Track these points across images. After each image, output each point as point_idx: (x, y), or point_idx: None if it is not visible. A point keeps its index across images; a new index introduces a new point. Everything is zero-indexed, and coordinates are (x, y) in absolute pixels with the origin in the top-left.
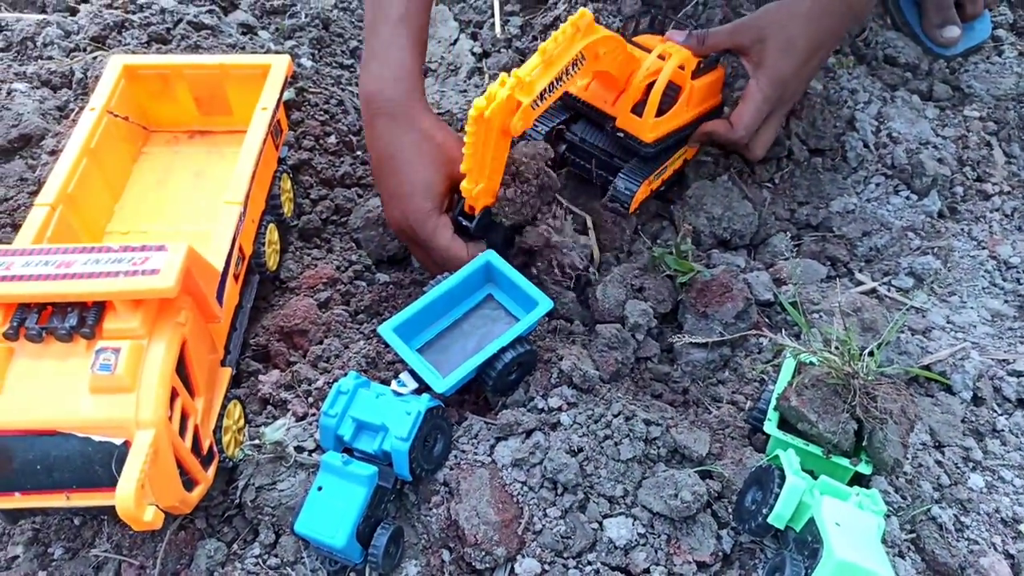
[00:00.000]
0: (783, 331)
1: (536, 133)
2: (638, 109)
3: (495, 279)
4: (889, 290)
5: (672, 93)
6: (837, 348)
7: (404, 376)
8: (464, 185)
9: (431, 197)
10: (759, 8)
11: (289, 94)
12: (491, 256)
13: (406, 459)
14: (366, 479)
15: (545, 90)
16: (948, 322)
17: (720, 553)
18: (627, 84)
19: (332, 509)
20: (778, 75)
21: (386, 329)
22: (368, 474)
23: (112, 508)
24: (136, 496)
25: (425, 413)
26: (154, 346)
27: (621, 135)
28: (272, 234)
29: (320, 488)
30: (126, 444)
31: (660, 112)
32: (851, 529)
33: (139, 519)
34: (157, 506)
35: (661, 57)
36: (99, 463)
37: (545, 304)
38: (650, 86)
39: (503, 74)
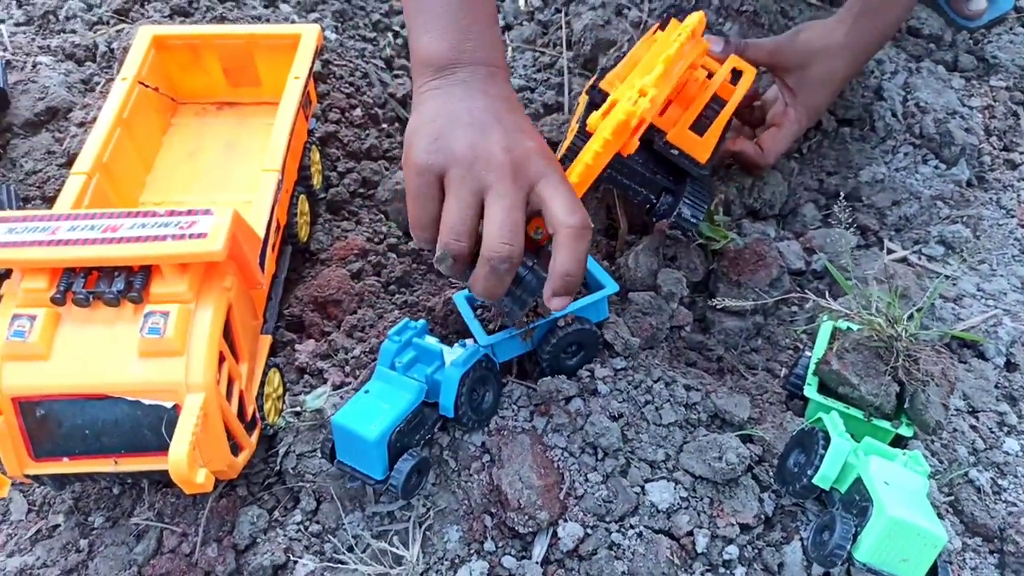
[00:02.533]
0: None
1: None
2: (697, 126)
3: None
4: (920, 258)
5: (717, 106)
6: (879, 312)
7: (468, 342)
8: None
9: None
10: (794, 28)
11: (317, 66)
12: None
13: (455, 388)
14: (415, 387)
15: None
16: (979, 289)
17: (762, 515)
18: (682, 95)
19: (374, 409)
20: (815, 105)
21: (459, 297)
22: (417, 385)
23: (159, 473)
24: (189, 459)
25: (481, 356)
26: (201, 310)
27: (675, 152)
28: (303, 205)
29: (367, 391)
30: (176, 408)
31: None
32: (900, 488)
33: (192, 481)
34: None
35: (735, 71)
36: (148, 427)
37: (611, 286)
38: (711, 102)
39: (641, 84)
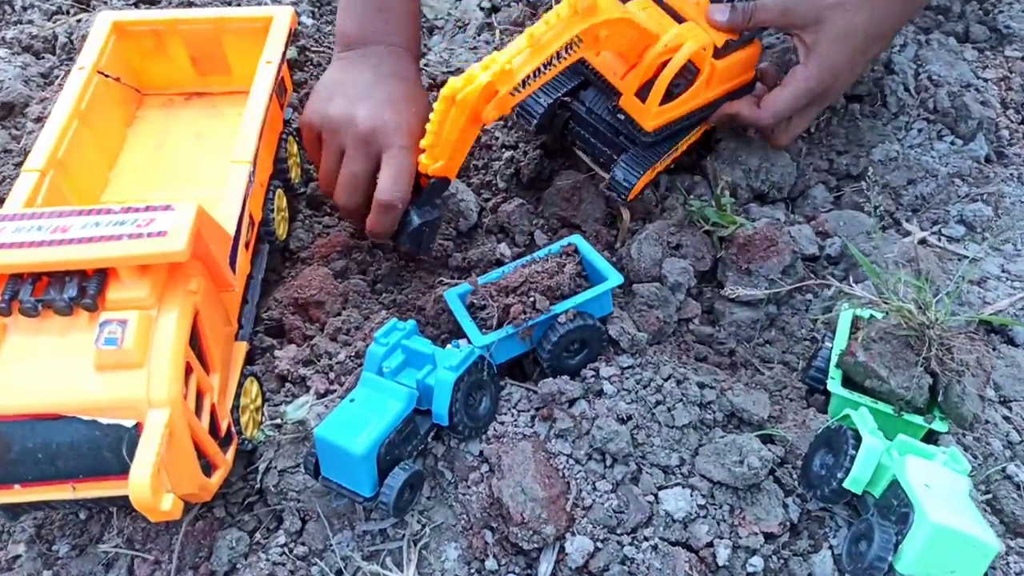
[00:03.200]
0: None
1: (536, 103)
2: (646, 90)
3: (583, 262)
4: (940, 239)
5: (690, 76)
6: (908, 298)
7: (461, 342)
8: (422, 160)
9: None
10: None
11: (291, 53)
12: (577, 239)
13: (449, 393)
14: (405, 394)
15: (529, 76)
16: (1003, 271)
17: (788, 523)
18: (639, 59)
19: (360, 419)
20: (831, 64)
21: (451, 294)
22: (407, 392)
23: (124, 499)
24: (152, 483)
25: (477, 358)
26: (164, 317)
27: (622, 117)
28: (280, 200)
29: (353, 400)
30: (138, 426)
31: (673, 96)
32: (941, 491)
33: (156, 508)
34: (174, 494)
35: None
36: (108, 448)
37: (615, 278)
38: (665, 64)
39: (488, 58)
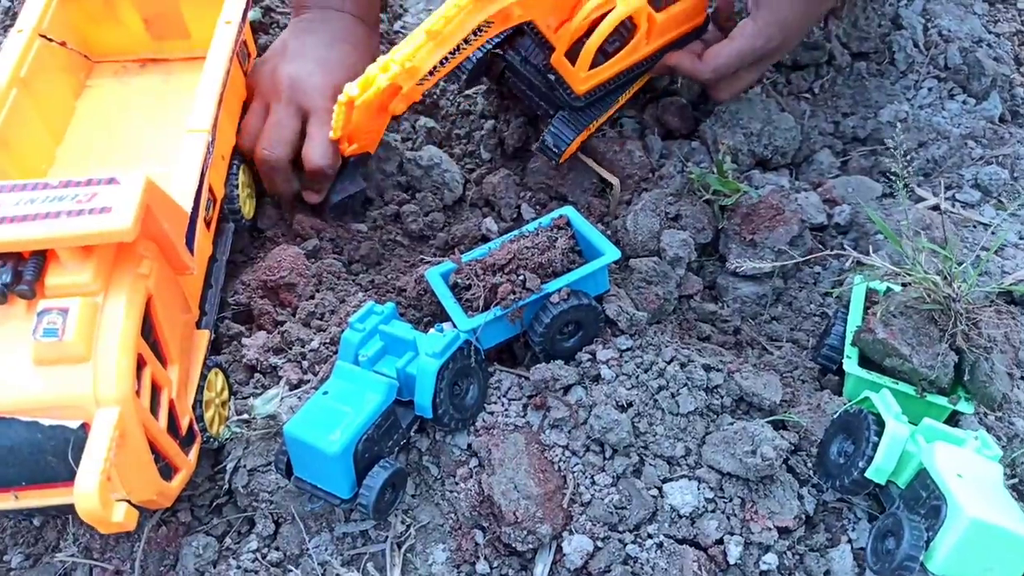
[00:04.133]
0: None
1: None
2: (578, 47)
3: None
4: (954, 205)
5: (626, 32)
6: (929, 268)
7: (445, 326)
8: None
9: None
10: None
11: (256, 14)
12: (569, 211)
13: (432, 383)
14: (383, 385)
15: (437, 65)
16: (1022, 238)
17: (803, 515)
18: (571, 14)
19: (334, 414)
20: (781, 20)
21: (433, 273)
22: (387, 383)
23: (68, 508)
24: (100, 491)
25: (462, 344)
26: (111, 303)
27: (552, 77)
28: (245, 175)
29: (326, 392)
30: (84, 427)
31: (608, 54)
32: (975, 480)
33: (106, 519)
34: (129, 502)
35: None
36: (52, 452)
37: (611, 253)
38: (600, 20)
39: (386, 57)
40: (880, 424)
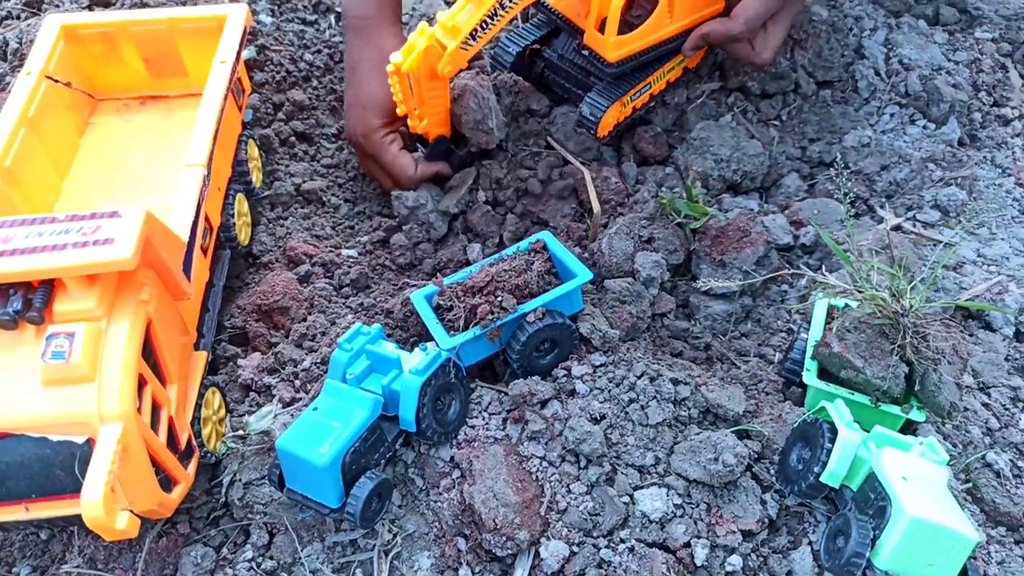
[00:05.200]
0: (810, 277)
1: (505, 52)
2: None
3: (552, 259)
4: (915, 225)
5: (650, 5)
6: (881, 285)
7: (429, 345)
8: (409, 123)
9: (380, 114)
10: None
11: (251, 52)
12: (546, 236)
13: (416, 399)
14: (369, 401)
15: (477, 29)
16: (979, 255)
17: (766, 519)
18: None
19: (323, 429)
20: None
21: (417, 296)
22: (372, 399)
23: (75, 519)
24: (105, 501)
25: (444, 361)
26: (114, 328)
27: (586, 53)
28: (241, 205)
29: (316, 409)
30: (89, 442)
31: (633, 26)
32: (919, 483)
33: (110, 527)
34: (132, 512)
35: None
36: (60, 466)
37: (584, 275)
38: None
39: (423, 23)
40: (834, 432)
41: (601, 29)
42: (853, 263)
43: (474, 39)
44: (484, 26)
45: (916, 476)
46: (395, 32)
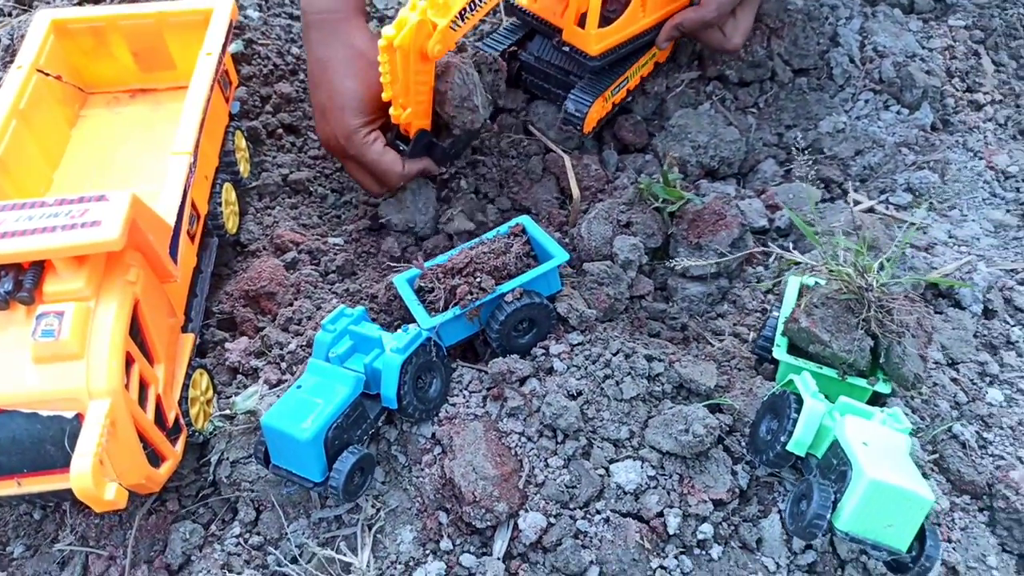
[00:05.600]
0: (782, 257)
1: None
2: (585, 22)
3: (532, 241)
4: (887, 207)
5: (622, 1)
6: (847, 263)
7: (411, 326)
8: (392, 112)
9: (360, 112)
10: None
11: (239, 46)
12: (525, 220)
13: (396, 376)
14: (351, 379)
15: (466, 9)
16: (951, 236)
17: (736, 489)
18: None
19: (307, 405)
20: None
21: (400, 279)
22: (354, 377)
23: (67, 493)
24: (94, 473)
25: (424, 340)
26: (103, 307)
27: (567, 49)
28: (228, 194)
29: (300, 387)
30: (79, 418)
31: (610, 20)
32: (879, 448)
33: (99, 498)
34: (120, 484)
35: None
36: (50, 441)
37: (560, 256)
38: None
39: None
40: (800, 403)
41: (580, 24)
42: (820, 242)
43: (462, 19)
44: (472, 6)
45: (877, 442)
46: (362, 25)
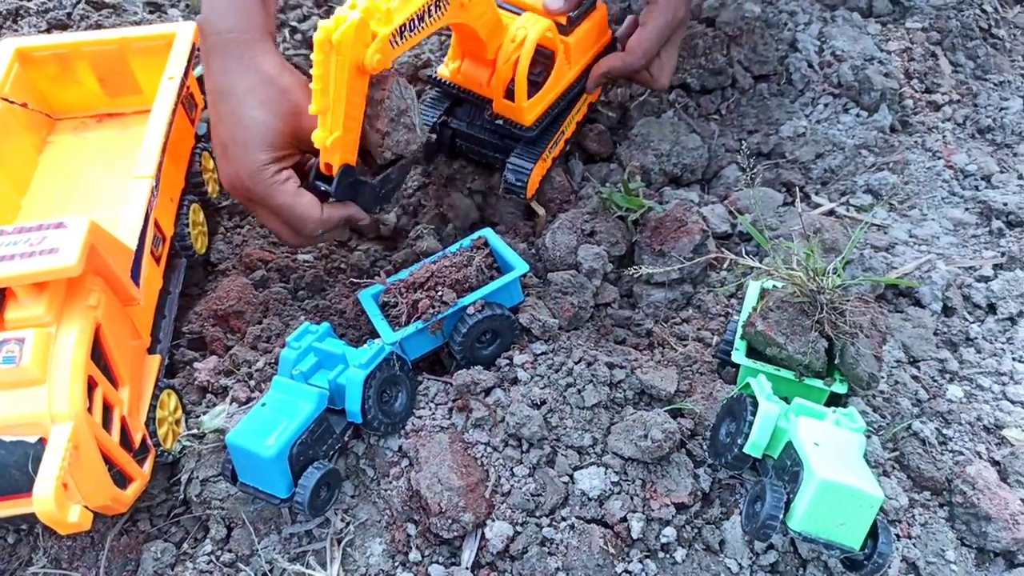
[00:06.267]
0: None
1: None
2: (511, 93)
3: (494, 254)
4: (848, 209)
5: (548, 60)
6: (800, 266)
7: (377, 342)
8: (316, 135)
9: (268, 147)
10: None
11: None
12: (487, 233)
13: (360, 391)
14: (315, 395)
15: (405, 27)
16: (911, 236)
17: (699, 492)
18: (495, 63)
19: (271, 422)
20: (674, 2)
21: (364, 294)
22: (318, 392)
23: (32, 517)
24: (56, 496)
25: (388, 355)
26: (64, 333)
27: (501, 122)
28: (196, 215)
29: (264, 404)
30: (41, 442)
31: (538, 85)
32: (831, 448)
33: (63, 521)
34: (86, 507)
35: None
36: (14, 466)
37: (520, 267)
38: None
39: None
40: (756, 406)
41: (508, 95)
42: (771, 247)
43: (402, 37)
44: (413, 25)
45: (828, 442)
46: (271, 49)
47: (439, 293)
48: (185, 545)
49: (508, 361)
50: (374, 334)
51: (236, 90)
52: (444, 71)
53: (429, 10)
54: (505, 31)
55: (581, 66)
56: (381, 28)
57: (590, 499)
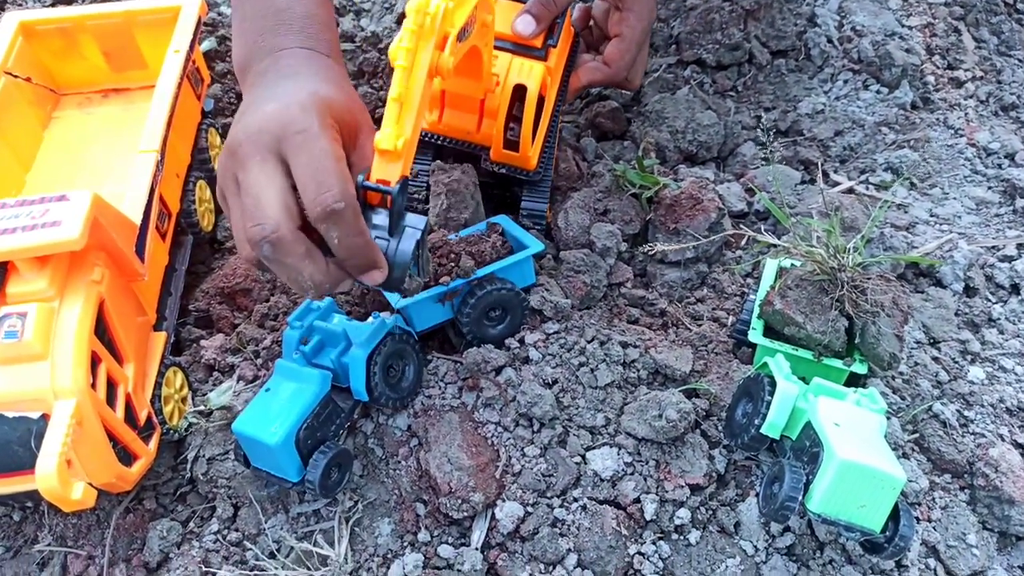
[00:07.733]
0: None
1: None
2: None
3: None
4: (867, 188)
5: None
6: (820, 243)
7: (382, 314)
8: (381, 135)
9: (328, 115)
10: None
11: (211, 44)
12: (503, 219)
13: (363, 369)
14: (317, 377)
15: (460, 32)
16: (932, 215)
17: (714, 474)
18: (482, 105)
19: (276, 408)
20: (649, 5)
21: None
22: (321, 375)
23: (36, 494)
24: (59, 473)
25: (391, 330)
26: (67, 307)
27: (504, 171)
28: (203, 191)
29: (268, 390)
30: (44, 418)
31: (517, 117)
32: (852, 429)
33: (66, 498)
34: (90, 484)
35: None
36: (17, 442)
37: (534, 246)
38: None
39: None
40: (774, 385)
41: (507, 145)
42: (791, 224)
43: (460, 40)
44: (462, 35)
45: (849, 423)
46: (341, 63)
47: (456, 261)
48: (191, 524)
49: (520, 341)
50: (381, 308)
51: (301, 71)
52: (422, 124)
53: (464, 30)
54: (491, 77)
55: (560, 80)
56: (451, 28)
57: (603, 480)
